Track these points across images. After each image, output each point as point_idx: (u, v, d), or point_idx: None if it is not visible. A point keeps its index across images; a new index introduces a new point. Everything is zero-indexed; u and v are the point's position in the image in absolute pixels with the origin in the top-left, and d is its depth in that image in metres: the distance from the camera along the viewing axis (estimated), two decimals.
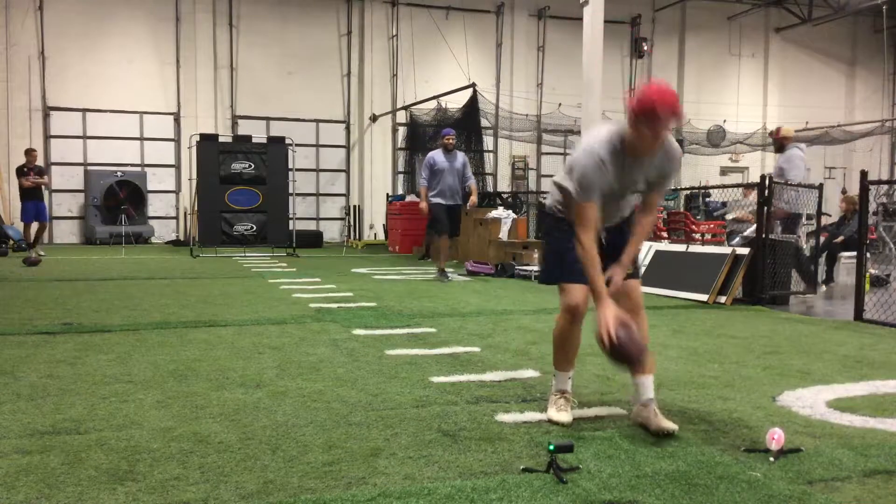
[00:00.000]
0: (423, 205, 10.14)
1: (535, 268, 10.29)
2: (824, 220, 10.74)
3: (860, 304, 7.06)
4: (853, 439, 3.30)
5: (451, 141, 10.08)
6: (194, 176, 14.78)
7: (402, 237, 16.64)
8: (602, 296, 3.25)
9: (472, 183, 10.34)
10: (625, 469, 2.86)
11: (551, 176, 14.48)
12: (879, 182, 8.39)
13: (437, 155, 10.07)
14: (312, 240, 18.08)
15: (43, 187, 14.43)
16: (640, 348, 3.21)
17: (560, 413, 3.47)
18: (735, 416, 3.65)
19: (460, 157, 10.21)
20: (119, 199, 17.84)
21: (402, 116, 20.66)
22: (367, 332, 5.91)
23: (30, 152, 14.29)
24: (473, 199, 10.51)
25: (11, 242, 15.31)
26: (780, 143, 9.30)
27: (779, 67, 24.41)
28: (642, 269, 9.39)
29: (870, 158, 23.22)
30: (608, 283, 3.38)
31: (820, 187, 9.34)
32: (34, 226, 14.21)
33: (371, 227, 20.63)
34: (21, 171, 14.02)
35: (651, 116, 3.09)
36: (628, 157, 3.26)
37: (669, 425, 3.30)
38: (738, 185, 9.00)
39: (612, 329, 3.19)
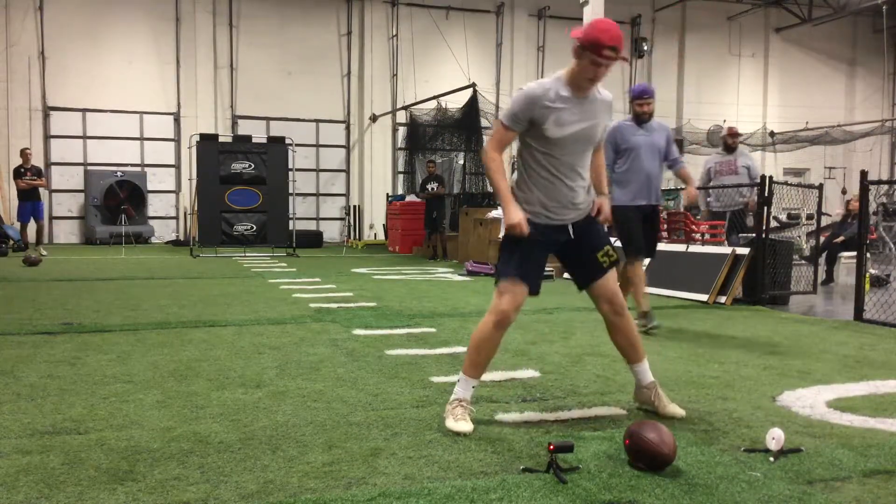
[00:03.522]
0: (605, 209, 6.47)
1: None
2: (824, 221, 10.75)
3: (860, 304, 7.06)
4: (853, 439, 3.30)
5: (647, 107, 6.26)
6: (194, 176, 14.78)
7: (402, 237, 16.65)
8: (508, 199, 3.41)
9: (683, 169, 6.39)
10: (625, 469, 2.86)
11: None
12: (879, 182, 8.39)
13: (625, 127, 6.32)
14: (312, 240, 18.09)
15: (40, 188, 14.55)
16: (667, 443, 2.86)
17: (459, 423, 3.33)
18: (735, 416, 3.65)
19: (662, 129, 6.38)
20: (119, 199, 17.84)
21: (402, 116, 20.66)
22: (367, 332, 5.91)
23: (24, 152, 14.41)
24: (692, 190, 6.38)
25: (11, 242, 15.33)
26: (735, 144, 9.42)
27: (779, 67, 24.42)
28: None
29: (870, 158, 23.23)
30: (598, 213, 3.57)
31: (820, 187, 9.35)
32: (31, 226, 14.32)
33: (371, 227, 20.63)
34: (17, 173, 14.18)
35: (594, 49, 3.24)
36: (572, 93, 3.40)
37: (677, 411, 3.57)
38: (737, 186, 9.00)
39: (523, 223, 3.35)
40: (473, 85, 16.22)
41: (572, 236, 3.53)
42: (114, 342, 5.35)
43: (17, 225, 15.05)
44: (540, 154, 3.44)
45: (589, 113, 3.43)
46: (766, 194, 8.19)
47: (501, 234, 3.49)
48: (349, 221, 20.64)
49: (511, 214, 3.38)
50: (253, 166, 14.77)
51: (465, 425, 3.31)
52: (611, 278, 3.58)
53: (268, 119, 19.87)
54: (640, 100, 6.27)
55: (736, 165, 9.14)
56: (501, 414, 3.60)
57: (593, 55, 3.24)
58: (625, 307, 3.61)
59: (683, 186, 6.65)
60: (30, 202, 14.17)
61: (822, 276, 10.50)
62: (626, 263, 6.25)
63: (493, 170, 3.49)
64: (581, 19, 12.13)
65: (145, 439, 3.15)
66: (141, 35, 18.95)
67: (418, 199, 16.17)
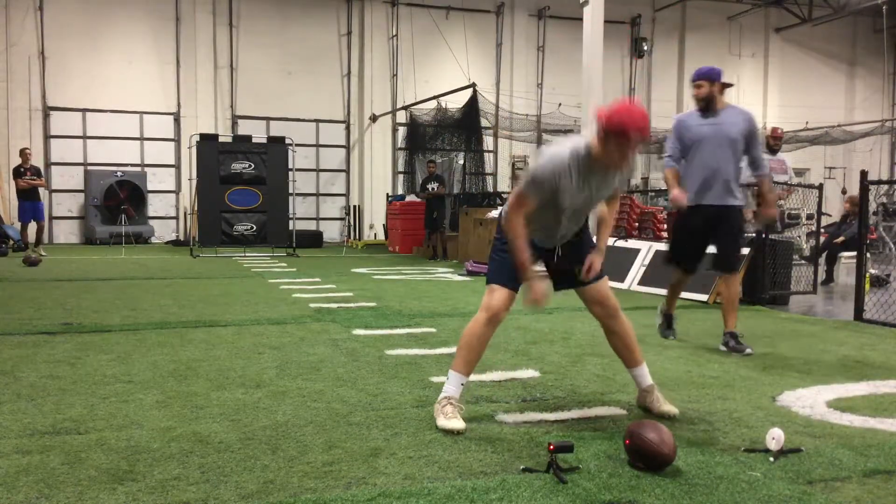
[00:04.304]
0: (677, 192, 5.38)
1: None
2: (824, 221, 10.74)
3: (860, 304, 7.06)
4: (853, 439, 3.30)
5: (698, 90, 5.48)
6: (194, 176, 14.78)
7: (402, 237, 16.65)
8: (529, 271, 3.40)
9: (764, 179, 5.48)
10: (625, 469, 2.86)
11: None
12: (879, 182, 8.39)
13: (689, 117, 5.60)
14: (312, 240, 18.09)
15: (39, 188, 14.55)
16: (667, 443, 2.86)
17: (451, 421, 3.33)
18: (735, 416, 3.65)
19: (740, 116, 5.47)
20: (119, 199, 17.84)
21: (402, 116, 20.66)
22: (367, 332, 5.91)
23: (24, 152, 14.41)
24: (768, 212, 5.48)
25: (11, 242, 15.33)
26: (778, 147, 9.42)
27: (779, 67, 24.41)
28: (642, 270, 9.38)
29: (870, 158, 23.22)
30: (589, 270, 3.52)
31: (820, 187, 9.34)
32: (32, 226, 14.32)
33: (371, 227, 20.63)
34: (17, 172, 14.18)
35: (621, 136, 3.14)
36: (593, 167, 3.30)
37: (671, 409, 3.58)
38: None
39: (541, 296, 3.37)
40: (473, 85, 16.22)
41: (560, 254, 3.64)
42: (114, 342, 5.35)
43: (18, 225, 15.05)
44: (543, 203, 3.42)
45: (603, 181, 3.40)
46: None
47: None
48: (349, 221, 20.64)
49: (536, 284, 3.38)
50: (253, 166, 14.77)
51: (457, 423, 3.32)
52: (601, 281, 3.61)
53: (268, 119, 19.87)
54: (694, 83, 5.50)
55: (786, 165, 9.13)
56: (501, 414, 3.60)
57: (619, 140, 3.15)
58: (618, 309, 3.62)
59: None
60: (29, 202, 14.17)
61: (822, 276, 10.50)
62: (674, 270, 5.75)
63: (515, 237, 3.37)
64: (580, 19, 12.11)
65: (145, 439, 3.15)
66: (141, 35, 18.95)
67: (418, 199, 16.18)
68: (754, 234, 8.34)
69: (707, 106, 5.42)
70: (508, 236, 3.41)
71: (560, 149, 3.33)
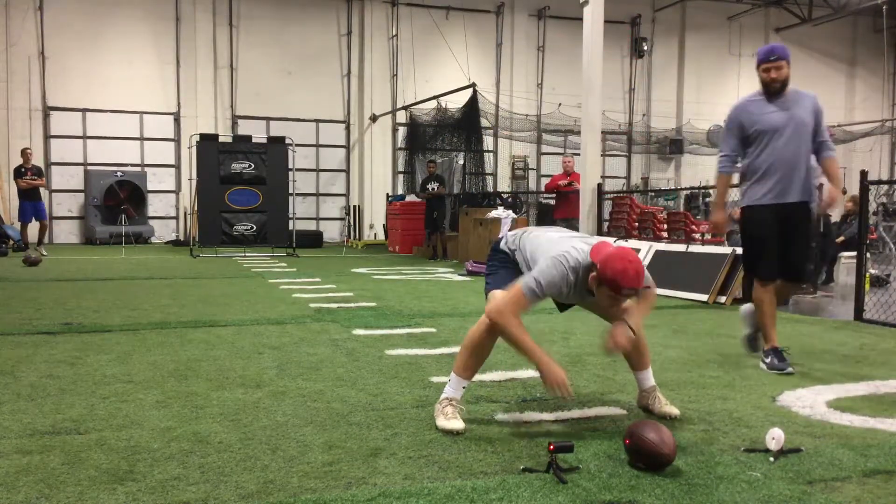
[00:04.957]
0: (720, 217, 5.15)
1: None
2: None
3: (860, 304, 7.06)
4: (853, 439, 3.30)
5: (778, 73, 4.66)
6: (194, 176, 14.78)
7: (402, 237, 16.65)
8: (541, 356, 3.27)
9: (831, 159, 4.83)
10: (625, 469, 2.86)
11: (550, 176, 14.18)
12: (879, 182, 8.38)
13: (752, 104, 4.83)
14: (312, 240, 18.09)
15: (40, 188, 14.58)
16: (667, 443, 2.86)
17: (451, 421, 3.33)
18: (735, 416, 3.65)
19: (806, 99, 4.79)
20: (119, 199, 17.85)
21: (402, 116, 20.66)
22: (367, 332, 5.91)
23: (25, 152, 14.45)
24: (834, 191, 4.72)
25: (11, 242, 15.34)
26: None
27: None
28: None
29: (870, 158, 23.21)
30: (614, 344, 3.35)
31: (820, 187, 9.33)
32: (33, 226, 14.34)
33: (371, 227, 20.64)
34: (18, 172, 14.21)
35: (613, 289, 3.16)
36: (585, 289, 3.33)
37: (672, 410, 3.57)
38: (737, 186, 8.97)
39: (562, 382, 3.22)
40: (473, 85, 16.21)
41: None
42: (114, 342, 5.35)
43: (18, 225, 15.07)
44: None
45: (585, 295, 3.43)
46: None
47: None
48: (349, 221, 20.64)
49: (552, 368, 3.25)
50: (253, 166, 14.77)
51: (457, 423, 3.31)
52: None
53: (268, 119, 19.88)
54: (768, 63, 4.66)
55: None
56: (501, 414, 3.60)
57: (610, 291, 3.18)
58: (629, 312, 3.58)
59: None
60: (30, 202, 14.22)
61: (822, 276, 10.50)
62: (757, 283, 4.91)
63: (515, 330, 3.26)
64: (580, 19, 12.11)
65: (145, 439, 3.15)
66: (141, 35, 18.96)
67: (418, 199, 16.18)
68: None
69: (782, 89, 4.72)
70: (504, 326, 3.27)
71: (564, 264, 3.27)
